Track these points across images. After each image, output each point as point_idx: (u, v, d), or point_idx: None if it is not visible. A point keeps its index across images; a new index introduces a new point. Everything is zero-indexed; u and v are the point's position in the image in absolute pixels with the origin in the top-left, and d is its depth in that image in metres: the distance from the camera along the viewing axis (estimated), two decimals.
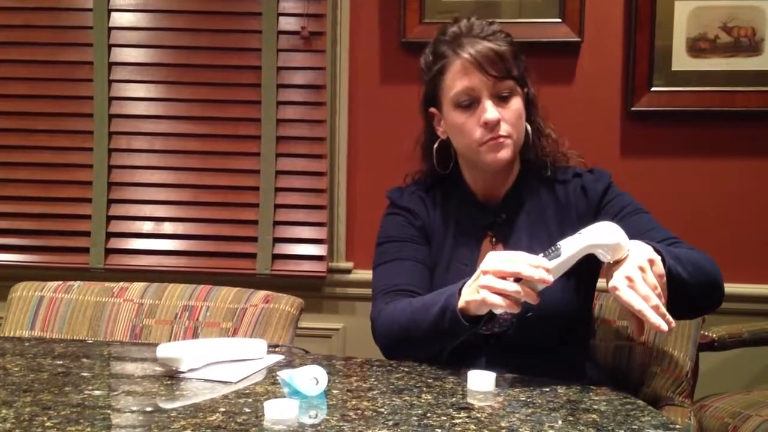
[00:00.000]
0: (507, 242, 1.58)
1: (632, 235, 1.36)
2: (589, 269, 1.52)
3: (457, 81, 1.53)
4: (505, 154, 1.53)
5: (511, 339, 1.50)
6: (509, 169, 1.61)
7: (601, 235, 1.30)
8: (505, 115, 1.53)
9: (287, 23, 2.69)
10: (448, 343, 1.45)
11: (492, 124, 1.51)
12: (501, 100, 1.53)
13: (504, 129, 1.52)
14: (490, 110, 1.51)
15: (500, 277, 1.29)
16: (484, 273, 1.31)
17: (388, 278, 1.61)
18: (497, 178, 1.61)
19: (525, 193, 1.61)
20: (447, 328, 1.38)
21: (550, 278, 1.26)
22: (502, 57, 1.52)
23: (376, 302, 1.59)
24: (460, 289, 1.38)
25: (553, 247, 1.30)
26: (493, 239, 1.60)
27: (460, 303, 1.35)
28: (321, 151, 2.69)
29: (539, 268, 1.26)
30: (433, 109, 1.63)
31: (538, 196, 1.61)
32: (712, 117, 2.54)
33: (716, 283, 1.43)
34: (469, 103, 1.53)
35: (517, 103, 1.55)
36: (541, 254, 1.30)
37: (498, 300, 1.28)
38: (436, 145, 1.65)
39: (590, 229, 1.31)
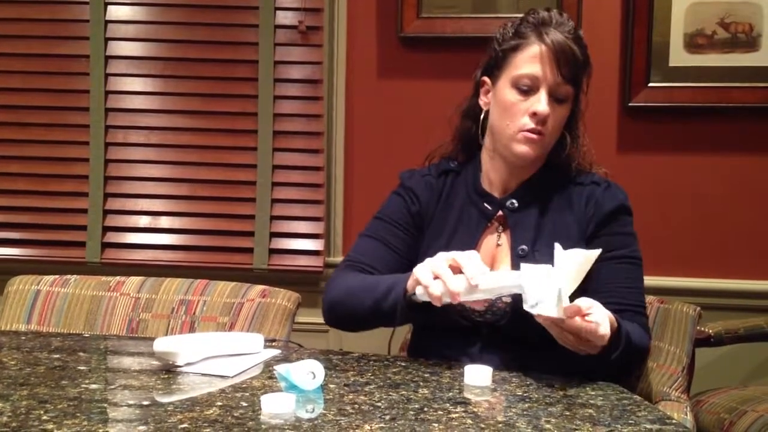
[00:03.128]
0: (513, 231, 1.58)
1: (602, 284, 1.50)
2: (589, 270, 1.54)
3: (527, 63, 1.54)
4: (534, 151, 1.55)
5: (505, 330, 1.51)
6: (531, 166, 1.61)
7: (531, 286, 1.29)
8: (552, 116, 1.54)
9: (284, 17, 2.68)
10: (384, 321, 1.51)
11: (541, 117, 1.52)
12: (555, 100, 1.54)
13: (548, 127, 1.54)
14: (543, 103, 1.52)
15: (433, 272, 1.36)
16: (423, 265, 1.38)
17: (358, 251, 1.67)
18: (517, 168, 1.61)
19: (539, 187, 1.61)
20: (388, 306, 1.45)
21: (458, 298, 1.33)
22: (577, 61, 1.54)
23: (338, 268, 1.67)
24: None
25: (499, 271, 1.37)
26: (499, 227, 1.60)
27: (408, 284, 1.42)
28: (318, 145, 2.69)
29: (458, 283, 1.33)
30: (485, 78, 1.63)
31: (550, 191, 1.61)
32: (709, 113, 2.54)
33: (633, 367, 1.50)
34: (528, 89, 1.54)
35: (565, 110, 1.57)
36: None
37: (420, 290, 1.37)
38: (482, 115, 1.65)
39: (529, 272, 1.30)
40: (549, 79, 1.52)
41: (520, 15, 1.62)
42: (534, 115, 1.52)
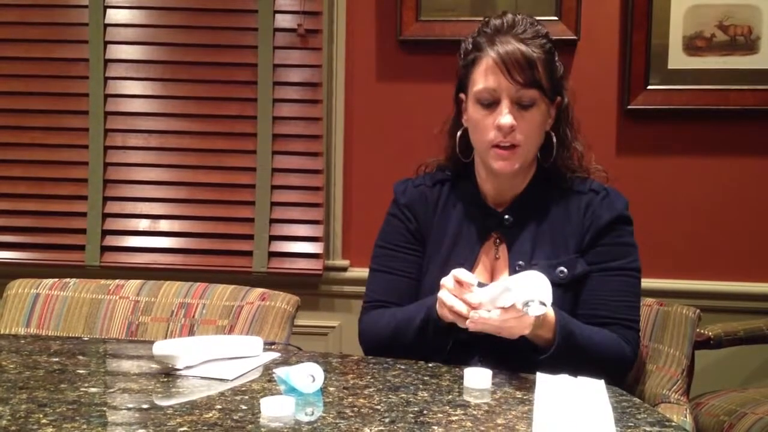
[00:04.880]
0: (511, 244, 1.58)
1: (593, 296, 1.53)
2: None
3: (482, 77, 1.53)
4: (510, 165, 1.53)
5: (504, 340, 1.50)
6: (522, 174, 1.60)
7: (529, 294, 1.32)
8: (522, 124, 1.51)
9: (283, 20, 2.68)
10: (432, 350, 1.49)
11: (505, 129, 1.50)
12: (521, 107, 1.52)
13: (517, 137, 1.51)
14: (505, 115, 1.50)
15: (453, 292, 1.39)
16: (441, 286, 1.42)
17: (376, 290, 1.66)
18: (507, 181, 1.60)
19: (536, 198, 1.60)
20: (431, 337, 1.47)
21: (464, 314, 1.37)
22: (532, 64, 1.50)
23: (363, 313, 1.66)
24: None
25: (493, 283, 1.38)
26: (497, 241, 1.60)
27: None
28: (317, 148, 2.69)
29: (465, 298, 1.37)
30: (462, 95, 1.62)
31: (547, 203, 1.60)
32: (708, 115, 2.54)
33: (606, 374, 1.42)
34: (489, 102, 1.52)
35: (537, 114, 1.53)
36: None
37: (446, 314, 1.40)
38: (459, 133, 1.64)
39: (521, 282, 1.33)
40: (506, 90, 1.50)
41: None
42: (499, 128, 1.51)
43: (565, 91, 1.61)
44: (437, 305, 1.43)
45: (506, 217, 1.59)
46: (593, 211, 1.57)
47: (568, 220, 1.58)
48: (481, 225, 1.61)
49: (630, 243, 1.59)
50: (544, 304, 1.30)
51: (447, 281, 1.41)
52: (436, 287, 1.48)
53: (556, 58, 1.58)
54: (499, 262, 1.59)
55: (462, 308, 1.36)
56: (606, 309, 1.53)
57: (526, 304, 1.29)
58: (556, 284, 1.52)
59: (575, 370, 1.33)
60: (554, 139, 1.60)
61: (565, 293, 1.53)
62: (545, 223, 1.58)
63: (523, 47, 1.50)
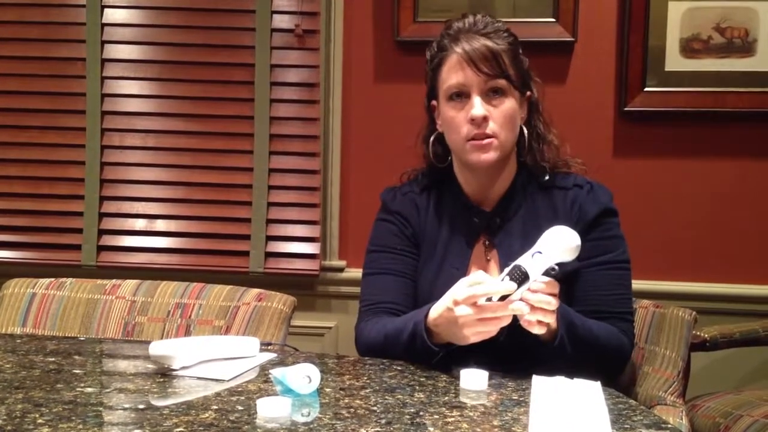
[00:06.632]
0: (500, 246, 1.58)
1: (587, 292, 1.53)
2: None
3: (451, 75, 1.54)
4: (489, 156, 1.53)
5: (501, 344, 1.50)
6: (501, 171, 1.60)
7: (562, 252, 1.36)
8: (494, 114, 1.52)
9: (281, 21, 2.68)
10: (426, 360, 1.46)
11: (478, 121, 1.51)
12: (492, 98, 1.53)
13: (491, 128, 1.52)
14: (477, 106, 1.51)
15: (473, 302, 1.33)
16: (456, 303, 1.34)
17: (373, 293, 1.64)
18: (489, 179, 1.60)
19: (520, 197, 1.61)
20: (420, 351, 1.43)
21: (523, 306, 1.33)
22: (497, 55, 1.52)
23: (360, 316, 1.64)
24: (426, 314, 1.42)
25: (515, 269, 1.33)
26: (486, 243, 1.60)
27: (430, 320, 1.41)
28: (314, 149, 2.69)
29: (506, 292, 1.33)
30: (434, 102, 1.63)
31: (533, 201, 1.60)
32: (705, 117, 2.54)
33: (607, 366, 1.48)
34: (460, 96, 1.54)
35: (508, 104, 1.54)
36: (504, 274, 1.34)
37: (483, 334, 1.35)
38: (432, 137, 1.65)
39: (549, 244, 1.35)
40: (475, 83, 1.52)
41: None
42: (472, 120, 1.52)
43: (534, 84, 1.63)
44: (459, 329, 1.36)
45: (493, 218, 1.60)
46: (580, 205, 1.58)
47: (556, 217, 1.58)
48: (470, 228, 1.61)
49: (618, 235, 1.60)
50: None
51: (463, 310, 1.33)
52: (433, 292, 1.47)
53: (521, 51, 1.60)
54: (490, 263, 1.59)
55: (503, 321, 1.34)
56: (601, 304, 1.54)
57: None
58: None
59: (577, 363, 1.33)
60: (525, 133, 1.60)
61: (560, 286, 1.53)
62: (533, 221, 1.58)
63: (487, 41, 1.53)
